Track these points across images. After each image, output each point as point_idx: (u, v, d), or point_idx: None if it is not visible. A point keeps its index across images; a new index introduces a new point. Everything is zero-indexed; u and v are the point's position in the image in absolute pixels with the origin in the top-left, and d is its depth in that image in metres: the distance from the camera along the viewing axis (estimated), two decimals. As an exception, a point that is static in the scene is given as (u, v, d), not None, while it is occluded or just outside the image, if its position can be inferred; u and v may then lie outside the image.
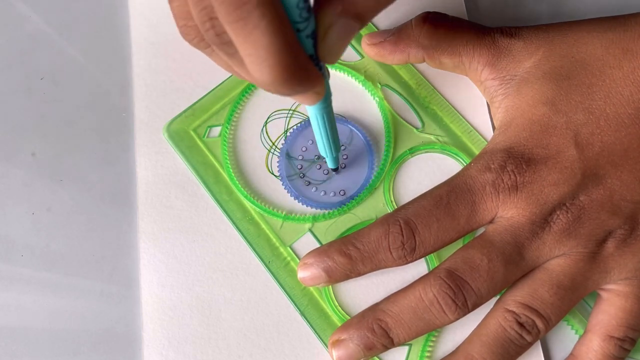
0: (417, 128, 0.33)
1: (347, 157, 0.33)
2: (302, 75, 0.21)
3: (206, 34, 0.21)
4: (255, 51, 0.19)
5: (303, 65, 0.20)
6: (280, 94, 0.21)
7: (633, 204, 0.27)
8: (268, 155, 0.33)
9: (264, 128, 0.34)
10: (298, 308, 0.30)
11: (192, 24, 0.22)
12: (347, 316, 0.30)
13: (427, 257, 0.30)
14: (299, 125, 0.33)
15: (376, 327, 0.28)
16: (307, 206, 0.32)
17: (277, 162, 0.33)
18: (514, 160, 0.28)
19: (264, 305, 0.31)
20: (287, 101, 0.34)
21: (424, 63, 0.33)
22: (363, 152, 0.33)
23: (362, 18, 0.21)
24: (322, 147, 0.29)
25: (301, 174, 0.32)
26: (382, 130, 0.33)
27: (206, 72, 0.35)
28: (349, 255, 0.28)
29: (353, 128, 0.33)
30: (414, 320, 0.27)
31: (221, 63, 0.24)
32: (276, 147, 0.33)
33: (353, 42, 0.35)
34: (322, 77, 0.22)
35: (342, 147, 0.32)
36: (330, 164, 0.31)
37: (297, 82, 0.20)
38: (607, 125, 0.28)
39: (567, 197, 0.27)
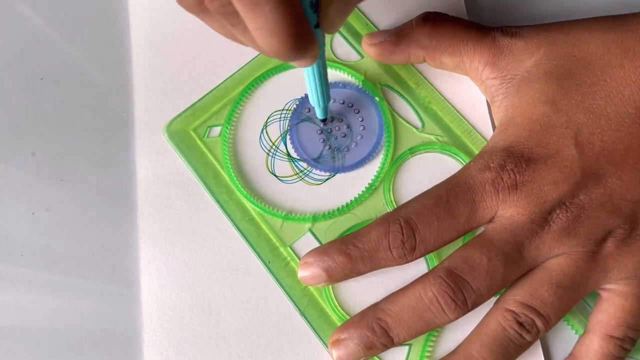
0: (417, 128, 0.33)
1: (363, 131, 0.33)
2: (305, 43, 0.22)
3: (210, 4, 0.21)
4: (265, 25, 0.20)
5: (306, 34, 0.21)
6: (282, 60, 0.23)
7: (633, 203, 0.27)
8: (268, 155, 0.33)
9: (264, 129, 0.34)
10: (298, 308, 0.30)
11: None
12: (347, 316, 0.30)
13: (426, 256, 0.30)
14: (289, 127, 0.33)
15: (376, 327, 0.28)
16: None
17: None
18: (513, 159, 0.28)
19: (264, 305, 0.31)
20: (286, 102, 0.34)
21: (424, 63, 0.33)
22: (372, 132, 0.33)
23: None
24: (313, 97, 0.30)
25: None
26: (382, 130, 0.33)
27: (206, 72, 0.35)
28: (349, 255, 0.28)
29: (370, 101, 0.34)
30: (414, 320, 0.27)
31: (219, 29, 0.24)
32: (277, 147, 0.33)
33: (353, 42, 0.35)
34: (316, 42, 0.23)
35: (362, 127, 0.33)
36: (319, 114, 0.32)
37: (300, 50, 0.22)
38: (608, 125, 0.28)
39: (567, 196, 0.27)
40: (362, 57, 0.34)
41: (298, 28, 0.21)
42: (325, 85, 0.29)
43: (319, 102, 0.30)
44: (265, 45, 0.21)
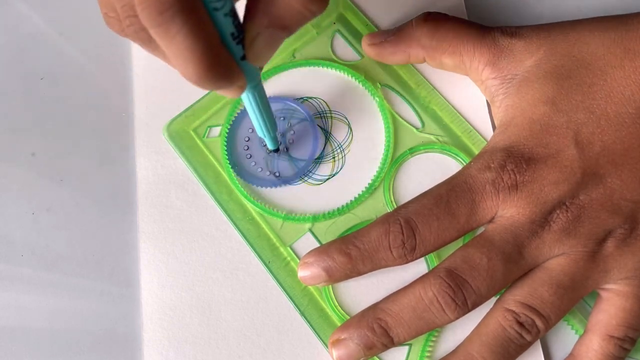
0: (417, 128, 0.33)
1: (293, 142, 0.33)
2: (225, 73, 0.21)
3: (127, 29, 0.21)
4: (179, 53, 0.20)
5: (225, 64, 0.21)
6: (204, 89, 0.22)
7: (633, 203, 0.27)
8: (268, 155, 0.33)
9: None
10: (298, 308, 0.30)
11: (114, 14, 0.22)
12: (347, 316, 0.30)
13: (426, 256, 0.30)
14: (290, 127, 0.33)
15: (376, 327, 0.28)
16: (241, 178, 0.32)
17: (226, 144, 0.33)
18: (514, 160, 0.28)
19: (264, 305, 0.31)
20: (286, 102, 0.34)
21: (424, 63, 0.33)
22: (308, 134, 0.33)
23: (288, 29, 0.22)
24: (259, 128, 0.29)
25: (248, 155, 0.33)
26: (382, 130, 0.33)
27: (206, 72, 0.35)
28: (349, 255, 0.28)
29: (298, 107, 0.33)
30: (414, 320, 0.27)
31: (148, 50, 0.24)
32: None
33: (353, 42, 0.35)
34: (242, 73, 0.23)
35: (292, 132, 0.33)
36: (269, 145, 0.31)
37: (219, 79, 0.21)
38: (608, 125, 0.28)
39: (567, 196, 0.27)
40: (362, 57, 0.34)
41: (213, 58, 0.20)
42: (267, 115, 0.28)
43: (264, 134, 0.30)
44: (183, 73, 0.21)
